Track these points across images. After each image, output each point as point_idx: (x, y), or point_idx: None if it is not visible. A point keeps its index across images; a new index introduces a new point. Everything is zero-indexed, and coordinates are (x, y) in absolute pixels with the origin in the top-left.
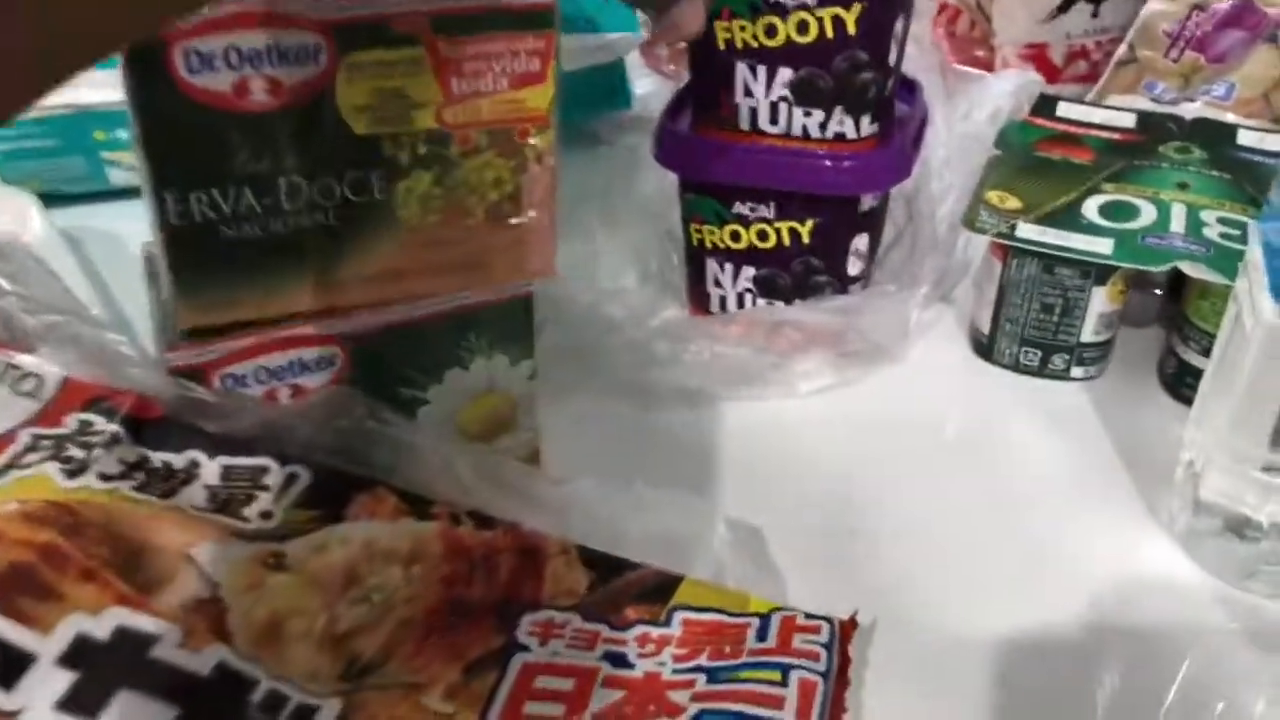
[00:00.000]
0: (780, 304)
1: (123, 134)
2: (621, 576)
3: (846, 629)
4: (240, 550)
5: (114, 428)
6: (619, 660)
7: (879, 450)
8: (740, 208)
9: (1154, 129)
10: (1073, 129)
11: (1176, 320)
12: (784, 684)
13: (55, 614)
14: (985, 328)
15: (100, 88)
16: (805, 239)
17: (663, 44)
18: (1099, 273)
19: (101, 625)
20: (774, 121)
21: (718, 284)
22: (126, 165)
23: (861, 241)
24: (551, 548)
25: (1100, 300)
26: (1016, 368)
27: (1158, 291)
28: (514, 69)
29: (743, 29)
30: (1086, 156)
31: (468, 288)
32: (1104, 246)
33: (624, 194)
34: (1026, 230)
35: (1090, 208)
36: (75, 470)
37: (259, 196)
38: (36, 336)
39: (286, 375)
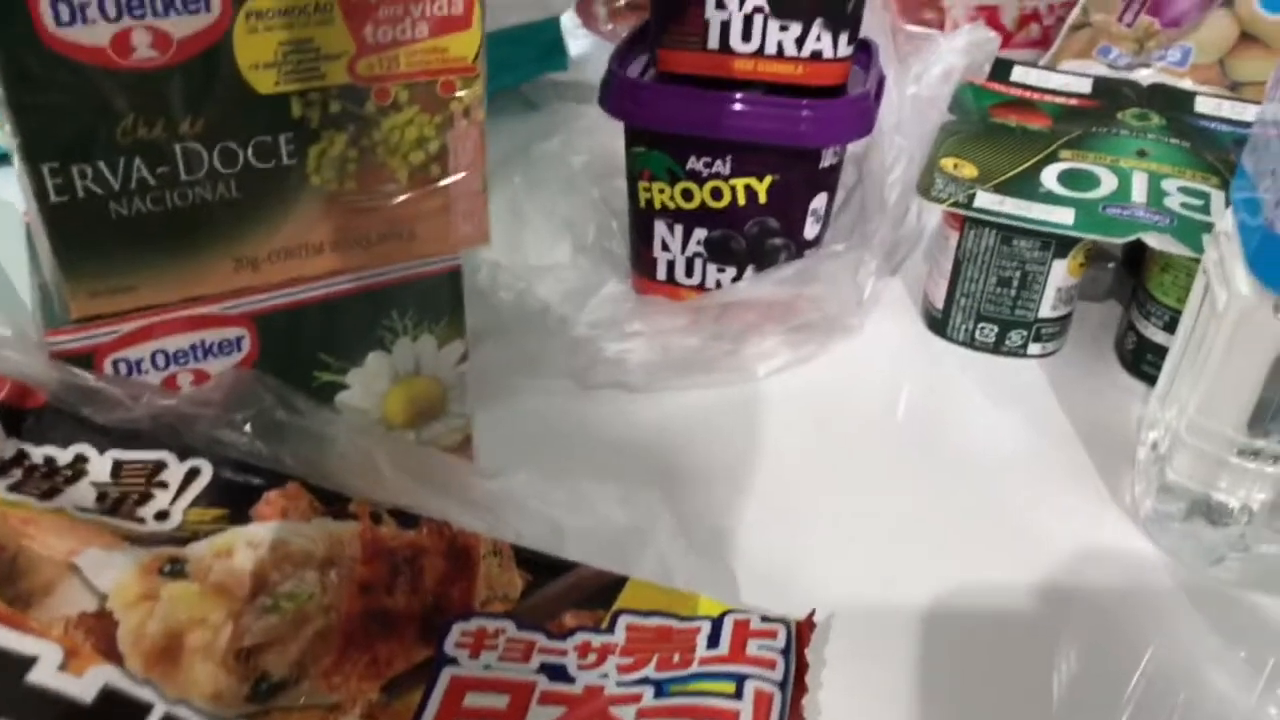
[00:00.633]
0: (729, 279)
1: None
2: (560, 579)
3: (804, 630)
4: (132, 557)
5: None
6: (557, 673)
7: (832, 434)
8: (694, 163)
9: (1111, 95)
10: (1028, 94)
11: (1136, 294)
12: (738, 696)
13: None
14: (939, 302)
15: None
16: (762, 198)
17: (600, 1)
18: (1059, 245)
19: None
20: (746, 38)
21: (665, 248)
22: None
23: (820, 201)
24: (483, 548)
25: (1060, 274)
26: (972, 344)
27: (1111, 265)
28: (434, 13)
29: None
30: (1043, 122)
31: (392, 260)
32: (1065, 217)
33: (550, 162)
34: (985, 199)
35: (1049, 176)
36: None
37: (151, 167)
38: None
39: (187, 359)
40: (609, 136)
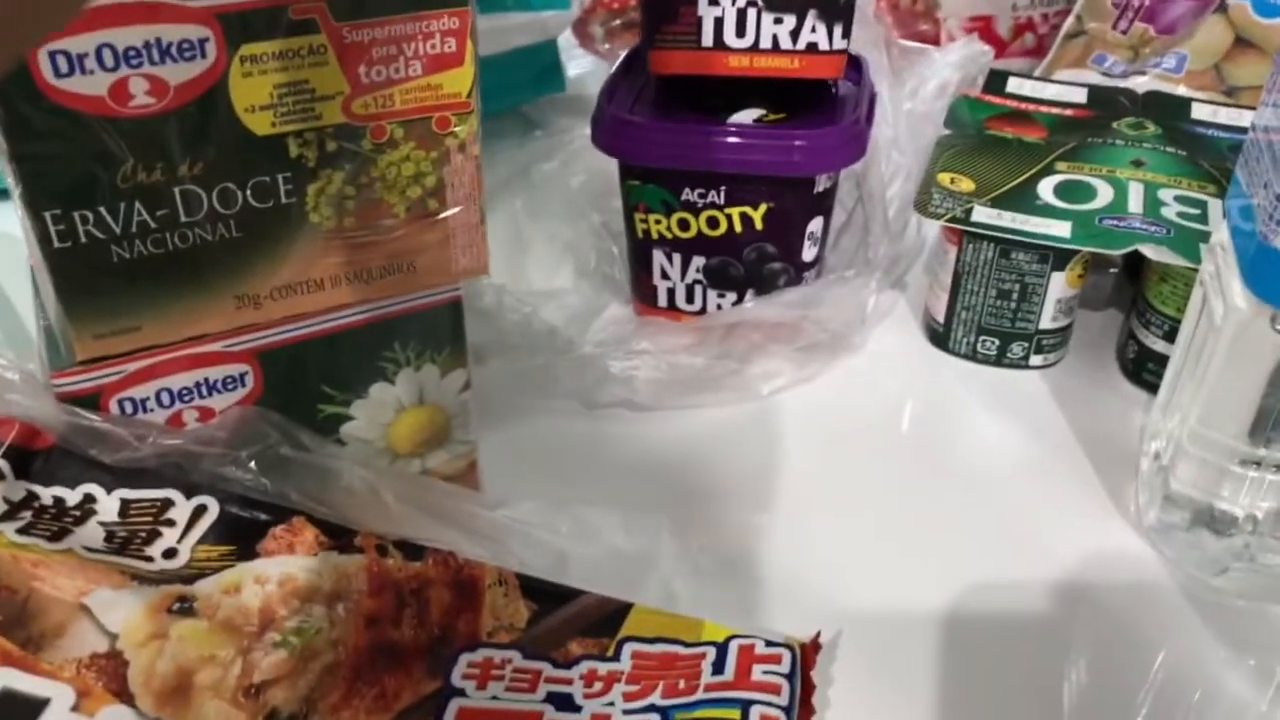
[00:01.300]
0: (730, 304)
1: None
2: (565, 607)
3: (809, 653)
4: (141, 596)
5: None
6: (564, 702)
7: (837, 451)
8: (689, 194)
9: (1106, 104)
10: (1023, 105)
11: (1136, 303)
12: None
13: None
14: (940, 316)
15: None
16: (758, 225)
17: (596, 23)
18: (1057, 257)
19: None
20: (741, 33)
21: (665, 276)
22: None
23: (816, 225)
24: (488, 578)
25: (1059, 285)
26: (974, 357)
27: (1113, 270)
28: (427, 51)
29: None
30: (1039, 134)
31: (392, 293)
32: (1062, 229)
33: (550, 185)
34: (982, 214)
35: (1045, 188)
36: None
37: (151, 210)
38: None
39: (192, 397)
40: (606, 157)
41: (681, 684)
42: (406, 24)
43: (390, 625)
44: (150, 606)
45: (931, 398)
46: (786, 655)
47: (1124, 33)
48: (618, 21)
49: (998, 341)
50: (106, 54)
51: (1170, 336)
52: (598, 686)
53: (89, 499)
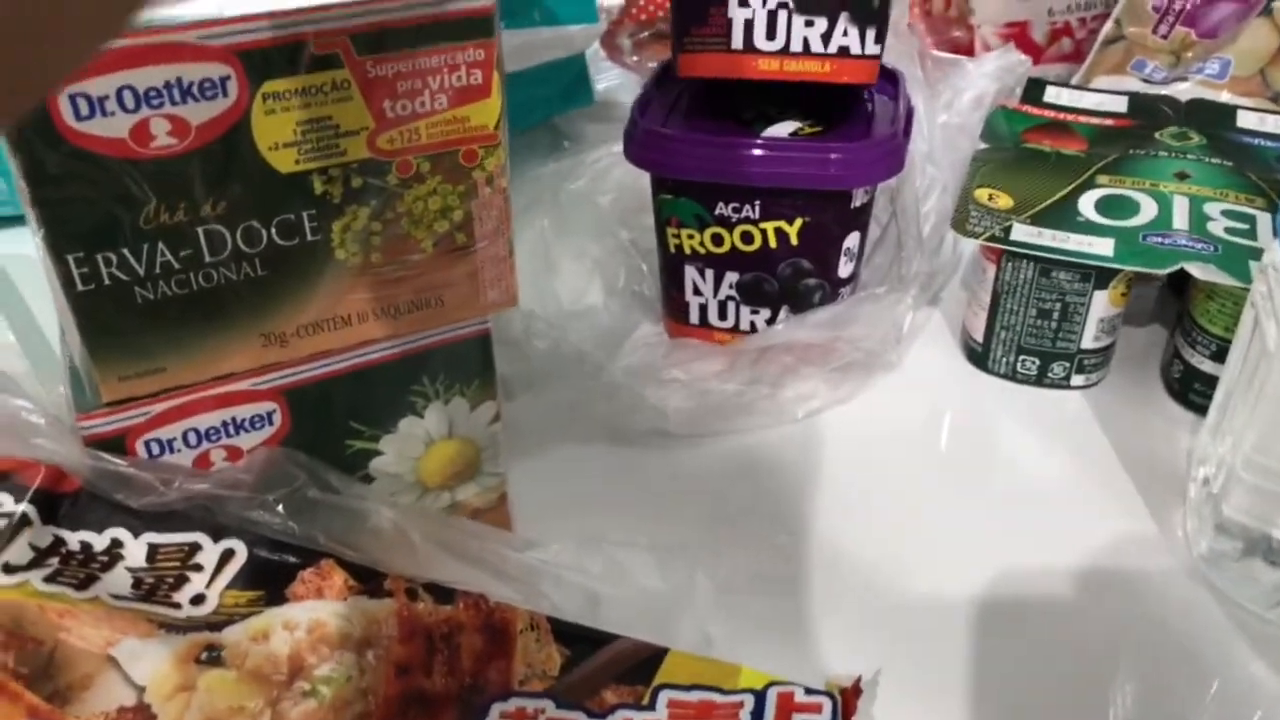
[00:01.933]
0: (764, 320)
1: None
2: (599, 653)
3: (849, 699)
4: (169, 645)
5: (22, 508)
6: None
7: (874, 475)
8: (723, 208)
9: (1148, 113)
10: (1062, 115)
11: (1181, 321)
12: None
13: None
14: (979, 335)
15: None
16: (793, 240)
17: (624, 34)
18: (1099, 275)
19: None
20: (771, 35)
21: (697, 292)
22: None
23: (853, 240)
24: (520, 622)
25: (1101, 304)
26: (1014, 377)
27: (1157, 284)
28: (453, 84)
29: None
30: (1078, 146)
31: (420, 328)
32: (1104, 247)
33: (579, 203)
34: (1021, 231)
35: (1086, 204)
36: None
37: (175, 250)
38: None
39: (219, 436)
40: (635, 172)
41: None
42: (431, 57)
43: (421, 673)
44: (178, 656)
45: (971, 419)
46: (827, 704)
47: (1164, 37)
48: (645, 33)
49: (1038, 361)
50: (127, 95)
51: (1218, 356)
52: None
53: (116, 543)
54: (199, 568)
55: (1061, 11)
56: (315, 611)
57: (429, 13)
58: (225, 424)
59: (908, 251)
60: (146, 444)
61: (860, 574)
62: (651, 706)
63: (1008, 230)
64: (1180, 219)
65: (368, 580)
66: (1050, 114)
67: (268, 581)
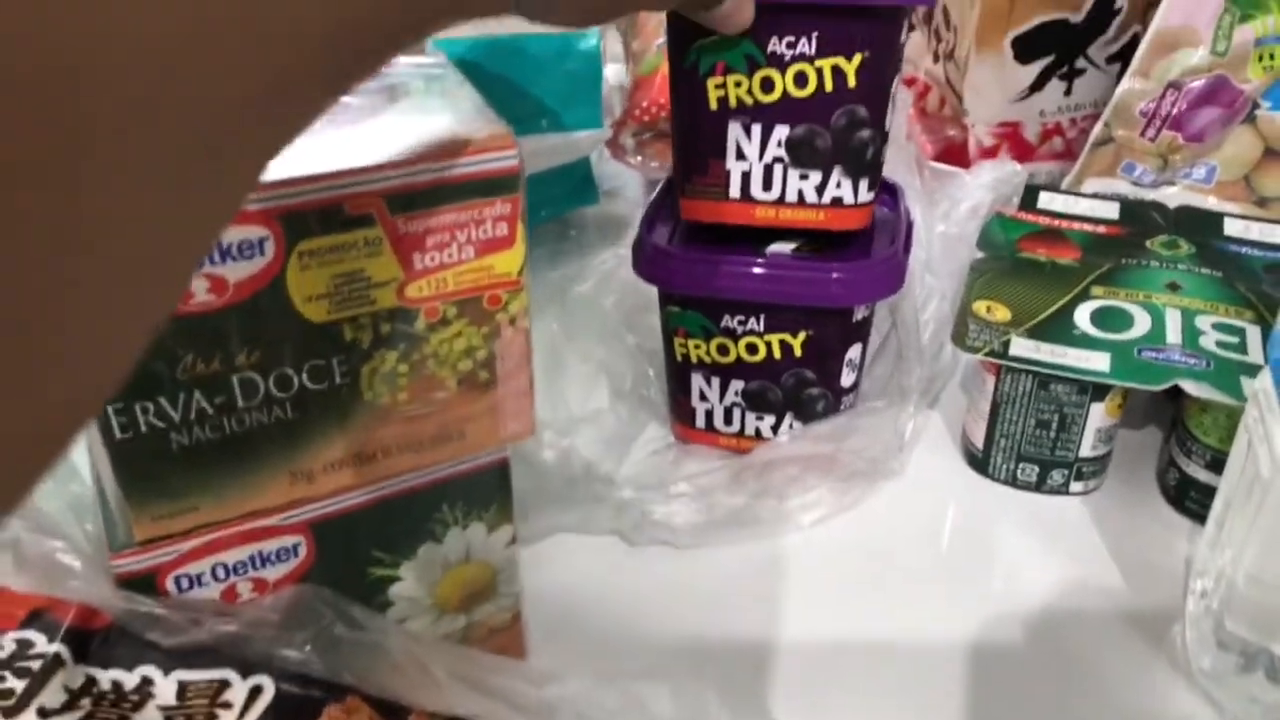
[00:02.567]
0: (769, 426)
1: None
2: None
3: None
4: None
5: (55, 648)
6: None
7: (878, 581)
8: (728, 321)
9: (1138, 220)
10: (1056, 222)
11: (1176, 429)
12: None
13: None
14: (979, 441)
15: None
16: (797, 352)
17: (627, 134)
18: (1097, 388)
19: None
20: (767, 187)
21: (704, 398)
22: None
23: (855, 351)
24: None
25: (1098, 415)
26: (1013, 483)
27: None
28: (479, 237)
29: (738, 85)
30: (1073, 255)
31: (442, 460)
32: (1101, 363)
33: (585, 306)
34: (1020, 346)
35: (1082, 316)
36: (13, 708)
37: (210, 398)
38: None
39: (246, 569)
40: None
41: None
42: (460, 212)
43: None
44: None
45: (972, 525)
46: None
47: (1152, 140)
48: (648, 134)
49: (1037, 469)
50: None
51: (1213, 466)
52: None
53: (147, 681)
54: (228, 705)
55: (1053, 113)
56: None
57: (460, 173)
58: (252, 558)
59: (908, 362)
60: (176, 580)
61: (868, 684)
62: None
63: (1006, 345)
64: (1173, 333)
65: (392, 715)
66: (1045, 220)
67: (295, 717)
